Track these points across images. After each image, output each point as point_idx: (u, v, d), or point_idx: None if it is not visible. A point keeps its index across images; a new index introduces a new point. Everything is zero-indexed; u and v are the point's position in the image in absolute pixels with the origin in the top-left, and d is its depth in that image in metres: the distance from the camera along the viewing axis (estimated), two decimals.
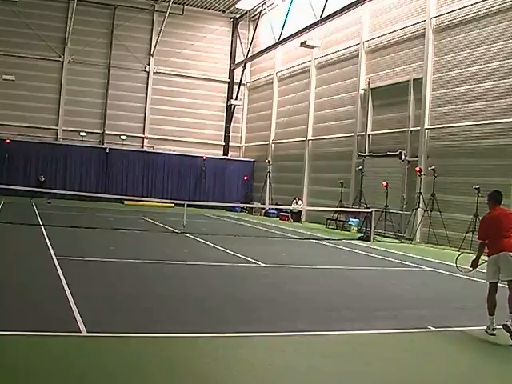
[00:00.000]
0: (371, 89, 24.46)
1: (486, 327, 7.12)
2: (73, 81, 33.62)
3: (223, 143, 37.02)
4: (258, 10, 34.55)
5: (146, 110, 35.20)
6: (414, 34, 22.15)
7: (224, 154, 36.82)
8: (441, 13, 20.73)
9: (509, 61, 17.87)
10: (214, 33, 36.42)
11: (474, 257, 7.47)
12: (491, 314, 7.11)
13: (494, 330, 7.04)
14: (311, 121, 29.33)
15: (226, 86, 37.04)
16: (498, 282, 7.21)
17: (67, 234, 15.47)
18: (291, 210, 28.32)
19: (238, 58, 36.51)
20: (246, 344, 6.11)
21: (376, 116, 24.48)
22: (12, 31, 32.09)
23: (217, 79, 36.78)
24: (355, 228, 23.30)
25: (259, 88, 36.18)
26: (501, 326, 6.84)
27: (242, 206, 32.42)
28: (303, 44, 26.98)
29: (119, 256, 12.07)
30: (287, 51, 31.94)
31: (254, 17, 36.19)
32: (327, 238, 20.14)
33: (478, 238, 7.57)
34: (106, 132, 34.32)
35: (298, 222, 27.92)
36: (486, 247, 7.39)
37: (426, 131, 21.03)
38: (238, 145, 37.76)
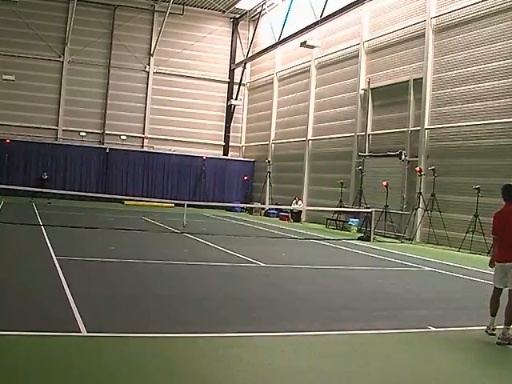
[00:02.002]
0: (371, 89, 24.46)
1: (486, 327, 7.12)
2: (73, 81, 33.62)
3: (223, 143, 37.02)
4: (258, 10, 34.56)
5: (146, 110, 35.21)
6: (414, 33, 22.15)
7: (224, 154, 36.82)
8: (441, 13, 20.73)
9: (509, 61, 17.86)
10: (214, 33, 36.42)
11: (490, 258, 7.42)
12: (493, 314, 7.05)
13: (493, 329, 7.03)
14: (311, 121, 29.33)
15: (226, 86, 37.04)
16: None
17: (67, 234, 15.46)
18: (291, 210, 28.32)
19: (238, 58, 36.51)
20: (246, 344, 6.11)
21: (376, 116, 24.48)
22: (12, 31, 32.09)
23: (217, 79, 36.78)
24: (355, 228, 23.29)
25: (259, 88, 36.18)
26: (501, 326, 6.83)
27: (242, 206, 32.41)
28: (303, 44, 26.99)
29: (119, 256, 12.07)
30: (287, 51, 31.94)
31: (254, 17, 36.20)
32: (327, 238, 20.14)
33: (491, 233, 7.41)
34: (106, 132, 34.33)
35: (298, 221, 27.92)
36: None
37: (426, 131, 21.03)
38: (238, 145, 37.76)
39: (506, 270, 6.91)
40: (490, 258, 7.46)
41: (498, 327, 6.96)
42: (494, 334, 6.96)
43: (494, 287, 7.13)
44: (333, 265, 13.33)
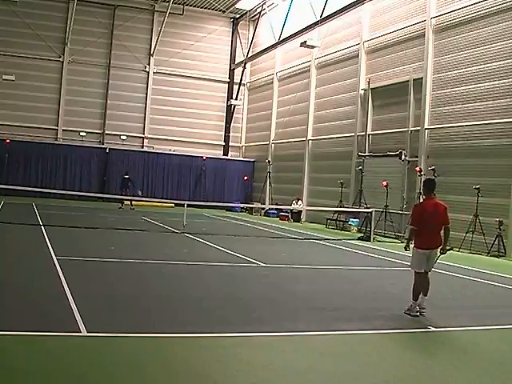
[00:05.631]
0: (371, 89, 24.46)
1: (408, 309, 7.80)
2: (73, 81, 33.62)
3: (223, 143, 37.01)
4: (258, 10, 34.55)
5: (146, 110, 35.20)
6: (414, 33, 22.15)
7: (224, 154, 36.81)
8: (441, 13, 20.73)
9: (509, 61, 17.87)
10: (214, 33, 36.42)
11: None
12: (416, 298, 7.78)
13: (418, 311, 7.71)
14: (311, 121, 29.32)
15: (226, 86, 37.03)
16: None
17: (67, 234, 15.46)
18: (291, 210, 28.31)
19: (238, 58, 36.50)
20: (246, 344, 6.11)
21: (376, 116, 24.48)
22: (12, 31, 32.08)
23: (217, 79, 36.78)
24: (355, 228, 23.28)
25: (259, 88, 36.18)
26: (490, 327, 7.11)
27: (242, 206, 32.40)
28: (303, 44, 26.95)
29: (119, 256, 12.07)
30: (287, 51, 31.93)
31: (254, 17, 36.19)
32: (327, 238, 20.13)
33: (411, 224, 8.08)
34: (106, 132, 34.32)
35: (298, 222, 27.92)
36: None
37: (426, 131, 21.03)
38: (238, 145, 37.76)
39: (428, 255, 7.81)
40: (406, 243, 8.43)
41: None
42: (417, 316, 7.65)
43: (418, 272, 7.92)
44: (333, 265, 13.33)
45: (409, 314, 7.76)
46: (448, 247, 7.94)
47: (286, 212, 28.86)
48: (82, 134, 33.66)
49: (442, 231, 7.90)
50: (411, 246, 8.14)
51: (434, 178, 8.16)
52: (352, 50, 26.18)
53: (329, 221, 25.15)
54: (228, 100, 36.51)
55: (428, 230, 7.77)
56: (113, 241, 14.93)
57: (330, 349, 6.17)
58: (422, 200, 8.13)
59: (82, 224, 18.08)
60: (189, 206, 19.81)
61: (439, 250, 7.87)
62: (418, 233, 7.88)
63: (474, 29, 19.23)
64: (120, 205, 28.09)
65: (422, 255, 7.87)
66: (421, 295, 7.81)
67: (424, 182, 8.11)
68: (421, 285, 7.88)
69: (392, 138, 23.10)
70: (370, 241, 19.19)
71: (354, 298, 9.18)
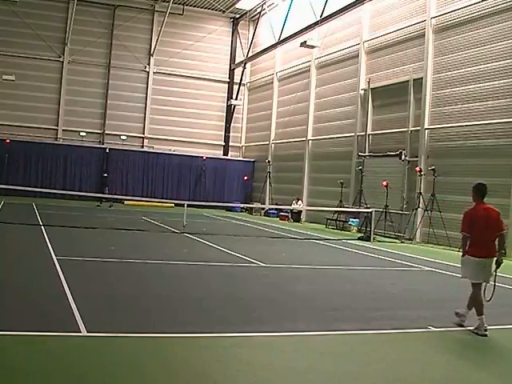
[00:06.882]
0: (371, 89, 24.46)
1: (475, 327, 7.06)
2: (73, 81, 33.63)
3: (223, 143, 37.02)
4: (258, 10, 34.56)
5: (146, 110, 35.21)
6: (414, 33, 22.15)
7: (224, 154, 36.83)
8: (441, 13, 20.74)
9: (509, 61, 17.87)
10: (214, 33, 36.43)
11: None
12: (481, 313, 7.08)
13: (486, 330, 6.96)
14: (311, 121, 29.33)
15: (226, 86, 37.05)
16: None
17: (67, 234, 15.46)
18: (291, 210, 28.32)
19: (238, 58, 36.52)
20: (246, 344, 6.11)
21: (376, 116, 24.48)
22: (12, 31, 32.10)
23: (217, 79, 36.79)
24: (355, 228, 23.28)
25: (259, 88, 36.18)
26: (489, 327, 6.92)
27: (242, 206, 32.41)
28: (303, 44, 26.96)
29: (119, 256, 12.06)
30: (287, 51, 31.94)
31: (254, 17, 36.20)
32: (327, 238, 20.13)
33: (462, 231, 7.48)
34: (106, 132, 34.33)
35: (298, 222, 27.92)
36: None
37: (426, 131, 21.03)
38: (238, 145, 37.76)
39: (483, 264, 7.33)
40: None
41: (488, 327, 6.99)
42: (486, 335, 6.93)
43: (477, 283, 7.41)
44: (333, 265, 13.33)
45: (476, 333, 7.02)
46: (503, 258, 7.31)
47: (286, 212, 28.86)
48: (81, 134, 33.66)
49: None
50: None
51: (484, 182, 7.63)
52: (352, 50, 26.18)
53: (329, 221, 25.15)
54: (228, 100, 36.52)
55: (480, 237, 7.25)
56: (113, 241, 14.93)
57: (330, 349, 6.17)
58: (472, 206, 7.60)
59: (82, 224, 18.07)
60: (189, 205, 19.81)
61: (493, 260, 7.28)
62: (470, 240, 7.38)
63: (474, 29, 19.23)
64: (99, 203, 28.22)
65: (477, 264, 7.33)
66: (465, 309, 7.42)
67: (475, 186, 7.52)
68: (478, 297, 7.30)
69: (392, 138, 23.10)
70: (369, 241, 19.19)
71: (354, 298, 9.17)
